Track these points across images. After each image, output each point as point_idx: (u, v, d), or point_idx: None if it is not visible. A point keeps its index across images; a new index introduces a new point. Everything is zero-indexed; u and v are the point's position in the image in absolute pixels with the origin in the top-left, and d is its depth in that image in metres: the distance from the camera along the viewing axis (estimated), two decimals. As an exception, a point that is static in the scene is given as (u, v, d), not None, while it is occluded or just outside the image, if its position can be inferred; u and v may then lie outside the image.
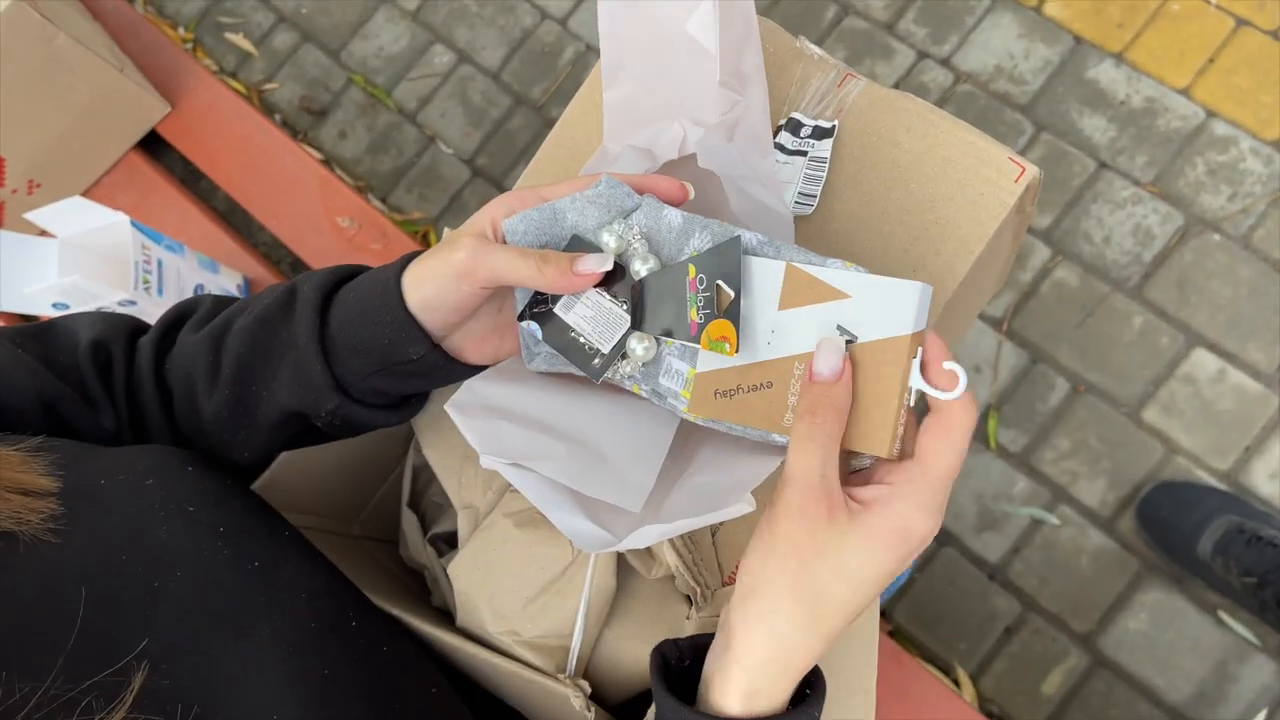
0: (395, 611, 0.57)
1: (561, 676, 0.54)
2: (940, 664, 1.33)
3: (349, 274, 0.54)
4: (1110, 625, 1.30)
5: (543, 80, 1.68)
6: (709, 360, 0.48)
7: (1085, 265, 1.41)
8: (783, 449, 0.47)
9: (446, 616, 0.66)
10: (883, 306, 0.44)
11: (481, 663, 0.57)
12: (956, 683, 1.31)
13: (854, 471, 0.47)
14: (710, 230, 0.49)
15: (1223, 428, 1.33)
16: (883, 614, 1.37)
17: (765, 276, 0.47)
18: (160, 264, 1.00)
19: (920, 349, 0.44)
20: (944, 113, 0.60)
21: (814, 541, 0.41)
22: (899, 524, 0.41)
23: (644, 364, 0.50)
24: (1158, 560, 1.31)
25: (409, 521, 0.69)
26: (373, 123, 1.72)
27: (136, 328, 0.60)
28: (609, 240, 0.49)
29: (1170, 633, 1.28)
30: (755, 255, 0.47)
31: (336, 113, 1.74)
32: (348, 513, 0.73)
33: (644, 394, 0.51)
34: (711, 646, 0.45)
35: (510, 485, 0.57)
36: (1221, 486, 1.31)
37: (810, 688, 0.44)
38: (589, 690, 0.54)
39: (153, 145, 1.41)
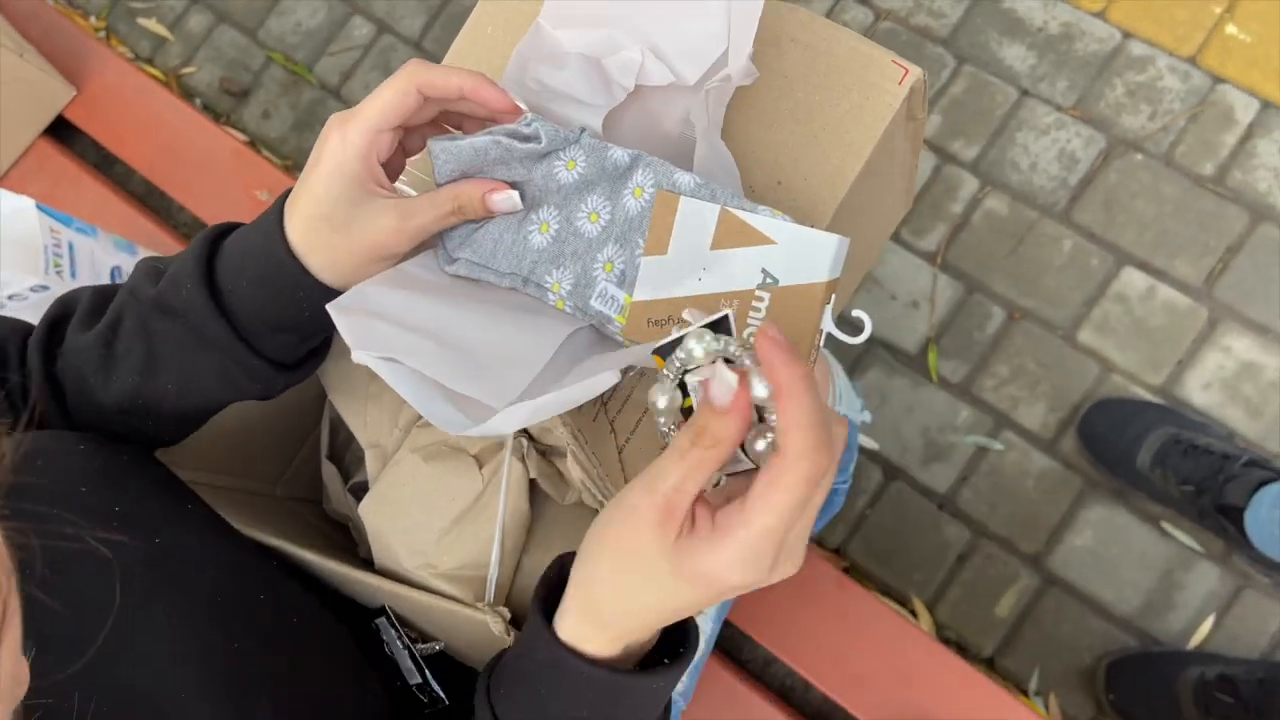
0: (312, 555, 0.57)
1: (480, 605, 0.54)
2: (896, 596, 1.35)
3: (212, 249, 0.51)
4: (1057, 544, 1.32)
5: (465, 46, 1.66)
6: (644, 290, 0.51)
7: (1014, 193, 1.42)
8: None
9: (372, 566, 0.65)
10: (803, 254, 0.48)
11: (402, 600, 0.56)
12: (913, 613, 1.33)
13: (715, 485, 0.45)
14: (653, 168, 0.52)
15: (1155, 343, 1.35)
16: (836, 551, 1.39)
17: (700, 217, 0.50)
18: (72, 247, 0.98)
19: (834, 295, 0.48)
20: (827, 20, 0.60)
21: (639, 543, 0.39)
22: (709, 571, 0.38)
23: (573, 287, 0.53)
24: (1099, 477, 1.33)
25: (329, 474, 0.69)
26: (296, 100, 1.70)
27: (25, 328, 0.57)
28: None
29: (1116, 547, 1.31)
30: (692, 197, 0.51)
31: (258, 93, 1.71)
32: (269, 473, 0.73)
33: (568, 309, 0.54)
34: None
35: (417, 420, 0.56)
36: (1157, 400, 1.33)
37: (683, 644, 0.45)
38: (509, 615, 0.54)
39: (62, 132, 1.38)
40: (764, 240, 0.49)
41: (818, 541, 1.37)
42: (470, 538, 0.56)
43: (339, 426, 0.71)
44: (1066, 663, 1.29)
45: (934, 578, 1.35)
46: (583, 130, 0.52)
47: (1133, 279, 1.37)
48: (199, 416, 0.56)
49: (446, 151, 0.51)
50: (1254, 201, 1.36)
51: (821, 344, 0.48)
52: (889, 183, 0.68)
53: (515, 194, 0.52)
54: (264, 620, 0.49)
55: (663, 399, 0.43)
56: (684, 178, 0.51)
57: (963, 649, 1.33)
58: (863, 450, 1.40)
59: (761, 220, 0.49)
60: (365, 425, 0.58)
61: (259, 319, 0.50)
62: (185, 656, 0.43)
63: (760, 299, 0.49)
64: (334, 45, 1.71)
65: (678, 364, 0.42)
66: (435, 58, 1.66)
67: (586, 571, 0.43)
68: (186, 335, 0.50)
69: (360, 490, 0.68)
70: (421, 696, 0.56)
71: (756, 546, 0.37)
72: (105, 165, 1.44)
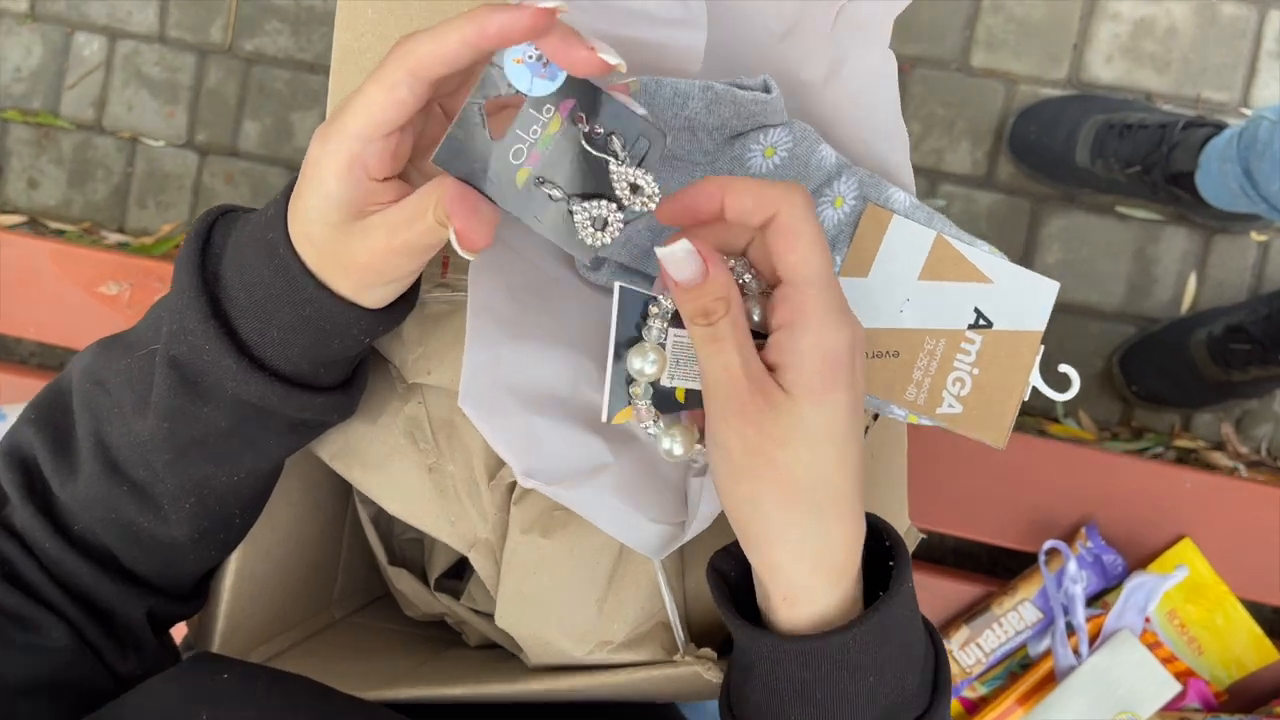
0: (463, 689, 0.49)
1: (678, 657, 0.47)
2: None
3: (212, 306, 0.39)
4: (1030, 269, 1.31)
5: (216, 17, 1.44)
6: None
7: (854, -57, 1.33)
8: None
9: (492, 651, 0.57)
10: (1020, 298, 0.45)
11: (586, 692, 0.49)
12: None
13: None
14: (859, 178, 0.46)
15: (1046, 37, 1.31)
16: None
17: (912, 242, 0.46)
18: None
19: (1042, 347, 0.45)
20: None
21: (770, 437, 0.35)
22: (822, 355, 0.35)
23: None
24: (1045, 190, 1.31)
25: (402, 580, 0.59)
26: (58, 154, 1.46)
27: None
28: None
29: (1084, 248, 1.30)
30: (907, 218, 0.46)
31: (10, 162, 1.46)
32: (320, 605, 0.62)
33: None
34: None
35: (514, 497, 0.47)
36: (1071, 93, 1.30)
37: (892, 555, 0.40)
38: (714, 654, 0.47)
39: None
40: (979, 277, 0.45)
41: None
42: (632, 592, 0.47)
43: (375, 524, 0.61)
44: (1081, 377, 1.30)
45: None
46: (793, 121, 0.44)
47: (1001, -17, 1.31)
48: (270, 484, 0.48)
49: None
50: None
51: (1027, 397, 0.46)
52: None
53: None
54: None
55: (645, 362, 0.37)
56: (899, 195, 0.46)
57: (984, 405, 1.33)
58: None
59: (979, 255, 0.46)
60: (453, 526, 0.48)
61: (306, 362, 0.40)
62: None
63: (971, 341, 0.45)
64: (69, 76, 1.45)
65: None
66: (188, 44, 1.43)
67: (754, 536, 0.37)
68: (228, 414, 0.40)
69: (447, 584, 0.59)
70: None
71: (825, 294, 0.35)
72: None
